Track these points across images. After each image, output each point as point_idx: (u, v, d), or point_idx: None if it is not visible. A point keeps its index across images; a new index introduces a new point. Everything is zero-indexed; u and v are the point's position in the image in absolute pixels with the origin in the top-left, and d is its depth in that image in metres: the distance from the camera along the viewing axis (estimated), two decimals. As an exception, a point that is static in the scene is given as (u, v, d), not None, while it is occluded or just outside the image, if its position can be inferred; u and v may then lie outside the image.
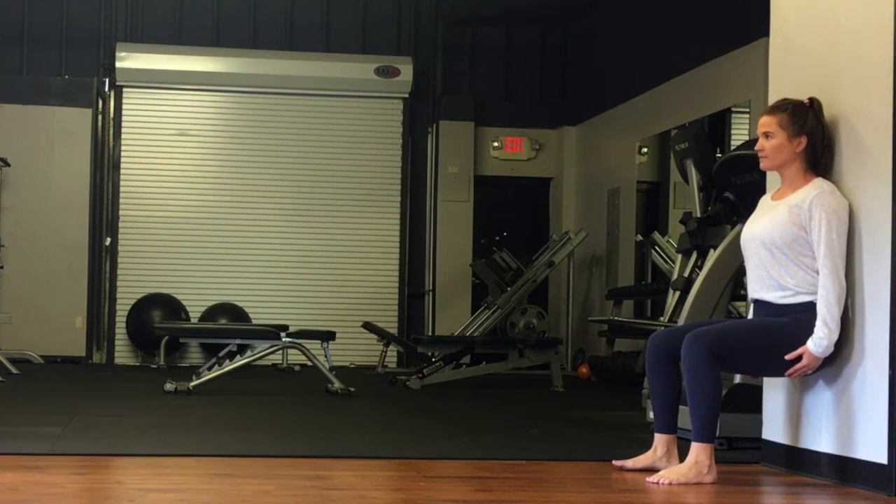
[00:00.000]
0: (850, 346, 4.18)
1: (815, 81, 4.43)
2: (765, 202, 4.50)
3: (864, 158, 4.16)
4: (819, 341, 4.14)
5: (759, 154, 4.38)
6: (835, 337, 4.14)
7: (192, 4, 12.49)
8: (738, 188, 6.10)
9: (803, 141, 4.28)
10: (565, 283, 12.41)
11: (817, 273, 4.18)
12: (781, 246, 4.26)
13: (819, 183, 4.25)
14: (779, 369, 4.25)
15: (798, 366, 4.19)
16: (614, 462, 4.57)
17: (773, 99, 4.62)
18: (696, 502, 3.92)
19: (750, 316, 4.54)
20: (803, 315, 4.21)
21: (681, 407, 4.48)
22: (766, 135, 4.34)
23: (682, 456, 4.33)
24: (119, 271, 12.14)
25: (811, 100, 4.33)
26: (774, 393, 4.66)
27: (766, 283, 4.32)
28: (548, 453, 5.07)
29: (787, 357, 4.19)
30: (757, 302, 4.40)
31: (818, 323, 4.15)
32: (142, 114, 12.27)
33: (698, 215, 7.25)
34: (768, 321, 4.29)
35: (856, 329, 4.17)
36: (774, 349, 4.22)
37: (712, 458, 4.22)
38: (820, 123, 4.30)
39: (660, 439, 4.45)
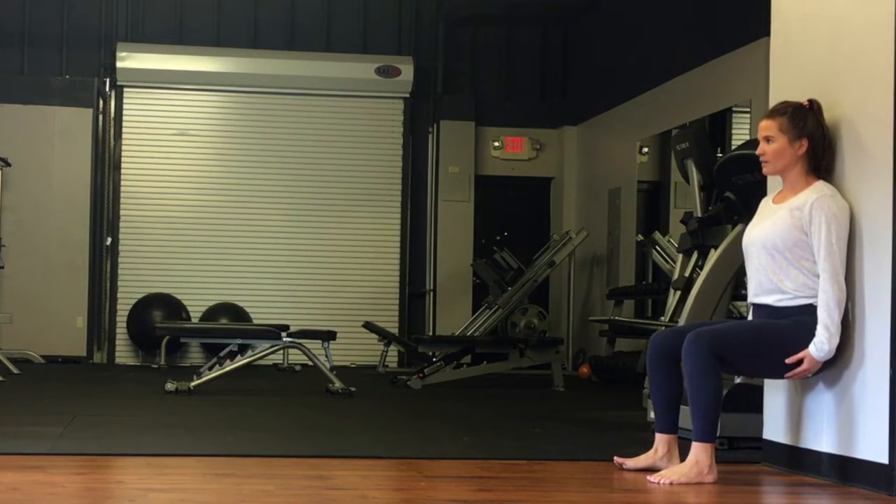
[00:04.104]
0: (850, 348, 4.18)
1: (816, 81, 4.43)
2: (765, 205, 4.49)
3: (865, 161, 4.15)
4: (820, 346, 4.14)
5: (761, 158, 4.37)
6: (836, 341, 4.14)
7: (192, 4, 12.49)
8: (738, 188, 6.11)
9: (804, 144, 4.28)
10: (566, 282, 12.41)
11: (817, 277, 4.18)
12: (783, 250, 4.25)
13: (820, 186, 4.25)
14: (778, 371, 4.25)
15: (798, 369, 4.19)
16: (615, 458, 4.57)
17: (773, 100, 4.62)
18: (697, 502, 3.92)
19: (749, 318, 4.54)
20: (802, 318, 4.21)
21: (682, 407, 4.48)
22: (767, 139, 4.33)
23: (683, 456, 4.33)
24: (120, 271, 12.14)
25: (811, 101, 4.32)
26: (775, 393, 4.66)
27: (766, 287, 4.32)
28: (548, 453, 5.07)
29: (787, 361, 4.19)
30: (756, 306, 4.40)
31: (819, 328, 4.14)
32: (142, 114, 12.27)
33: (699, 215, 7.25)
34: (769, 323, 4.29)
35: (856, 331, 4.16)
36: (775, 351, 4.22)
37: (713, 458, 4.22)
38: (820, 125, 4.29)
39: (660, 439, 4.45)
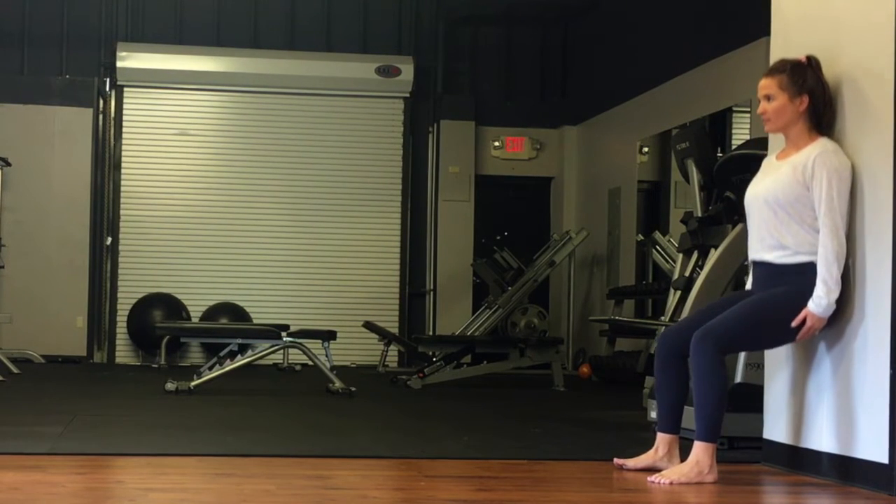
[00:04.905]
0: (850, 343, 4.18)
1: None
2: (768, 163, 4.49)
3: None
4: (819, 300, 4.14)
5: (762, 117, 4.37)
6: (835, 296, 4.14)
7: (192, 4, 12.49)
8: (738, 188, 6.10)
9: (805, 100, 4.28)
10: (566, 282, 12.42)
11: (818, 233, 4.18)
12: (784, 205, 4.25)
13: (823, 142, 4.25)
14: (787, 337, 4.25)
15: (804, 329, 4.18)
16: (615, 460, 4.57)
17: None
18: (697, 502, 3.91)
19: (749, 280, 4.52)
20: (800, 278, 4.20)
21: (685, 407, 4.47)
22: (768, 97, 4.34)
23: (684, 456, 4.32)
24: (120, 271, 12.14)
25: (809, 58, 4.32)
26: (775, 392, 4.66)
27: (767, 243, 4.31)
28: (549, 453, 5.07)
29: (792, 324, 4.18)
30: (756, 263, 4.40)
31: (818, 282, 4.14)
32: (143, 113, 12.27)
33: (699, 215, 7.25)
34: (766, 298, 4.26)
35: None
36: (779, 322, 4.21)
37: (714, 458, 4.21)
38: (820, 81, 4.30)
39: (662, 439, 4.44)
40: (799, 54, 4.39)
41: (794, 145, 4.34)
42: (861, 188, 4.17)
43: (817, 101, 4.28)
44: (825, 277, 4.13)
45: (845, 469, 4.19)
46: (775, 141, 4.62)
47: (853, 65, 4.24)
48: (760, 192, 4.36)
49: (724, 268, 6.15)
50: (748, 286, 4.56)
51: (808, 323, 4.17)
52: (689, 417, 4.35)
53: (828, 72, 4.32)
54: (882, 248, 4.04)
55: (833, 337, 4.28)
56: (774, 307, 4.23)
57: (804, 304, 4.17)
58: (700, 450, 4.21)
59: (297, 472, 4.29)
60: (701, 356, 4.20)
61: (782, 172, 4.29)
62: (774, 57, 4.80)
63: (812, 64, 4.31)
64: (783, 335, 4.25)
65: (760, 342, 4.39)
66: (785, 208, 4.25)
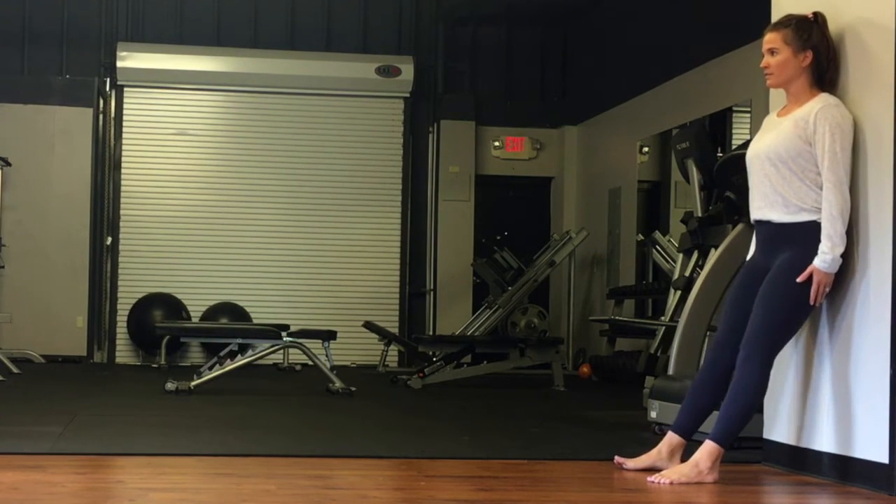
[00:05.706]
0: (850, 340, 4.18)
1: None
2: (770, 120, 4.47)
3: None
4: (824, 256, 4.12)
5: (765, 71, 4.35)
6: (839, 251, 4.12)
7: (192, 4, 12.49)
8: (738, 188, 6.11)
9: (809, 55, 4.27)
10: (566, 282, 12.41)
11: (821, 189, 4.16)
12: (787, 160, 4.23)
13: (824, 97, 4.24)
14: (809, 307, 4.22)
15: (813, 289, 4.16)
16: (616, 458, 4.56)
17: (772, 102, 4.63)
18: (698, 502, 3.91)
19: (752, 246, 4.49)
20: (802, 240, 4.17)
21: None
22: (771, 51, 4.32)
23: (685, 460, 4.32)
24: (120, 271, 12.14)
25: (815, 14, 4.31)
26: (775, 392, 4.65)
27: (770, 200, 4.28)
28: (549, 452, 5.07)
29: (798, 280, 4.16)
30: (759, 223, 4.37)
31: (822, 237, 4.12)
32: (143, 113, 12.27)
33: (699, 214, 7.26)
34: (777, 286, 4.21)
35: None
36: (798, 301, 4.19)
37: (716, 463, 4.19)
38: (825, 37, 4.28)
39: (669, 439, 4.40)
40: (803, 10, 4.37)
41: (795, 101, 4.32)
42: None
43: (821, 58, 4.27)
44: (829, 232, 4.11)
45: (845, 469, 4.19)
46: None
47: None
48: (762, 149, 4.33)
49: (724, 267, 6.15)
50: (751, 253, 4.51)
51: (816, 279, 4.15)
52: (707, 424, 4.33)
53: (831, 26, 4.30)
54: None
55: (834, 332, 4.28)
56: (788, 288, 4.19)
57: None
58: (705, 451, 4.19)
59: (297, 472, 4.29)
60: (748, 368, 4.18)
61: (783, 128, 4.27)
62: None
63: (818, 20, 4.29)
64: (806, 307, 4.22)
65: (797, 325, 4.33)
66: (787, 163, 4.23)
